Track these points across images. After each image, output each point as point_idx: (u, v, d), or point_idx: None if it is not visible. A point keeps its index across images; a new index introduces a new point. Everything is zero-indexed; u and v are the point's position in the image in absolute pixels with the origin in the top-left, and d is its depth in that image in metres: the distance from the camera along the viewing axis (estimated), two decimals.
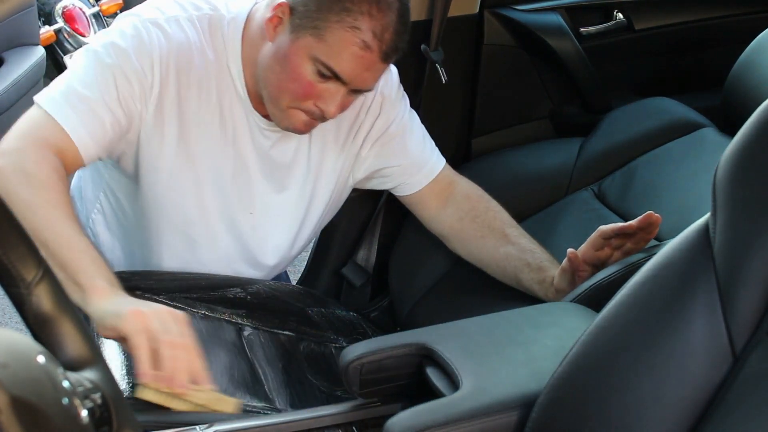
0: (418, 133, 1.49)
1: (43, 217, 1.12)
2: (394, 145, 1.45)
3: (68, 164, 1.23)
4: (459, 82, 1.83)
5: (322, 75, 1.21)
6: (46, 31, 3.35)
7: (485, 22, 1.85)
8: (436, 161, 1.50)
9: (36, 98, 1.25)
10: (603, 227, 1.26)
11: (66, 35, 3.51)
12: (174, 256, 1.42)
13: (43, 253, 1.09)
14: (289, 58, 1.22)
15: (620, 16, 1.99)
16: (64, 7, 3.53)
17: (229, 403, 1.11)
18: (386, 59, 1.23)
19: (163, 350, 1.03)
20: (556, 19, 1.91)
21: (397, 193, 1.52)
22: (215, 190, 1.37)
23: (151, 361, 1.03)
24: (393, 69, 1.47)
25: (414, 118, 1.50)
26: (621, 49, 2.02)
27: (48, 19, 3.50)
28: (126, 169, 1.36)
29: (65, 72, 1.29)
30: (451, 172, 1.52)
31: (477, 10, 1.81)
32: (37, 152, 1.18)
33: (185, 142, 1.32)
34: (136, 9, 1.32)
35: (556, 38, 1.89)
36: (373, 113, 1.43)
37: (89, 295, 1.08)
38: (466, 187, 1.50)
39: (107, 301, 1.08)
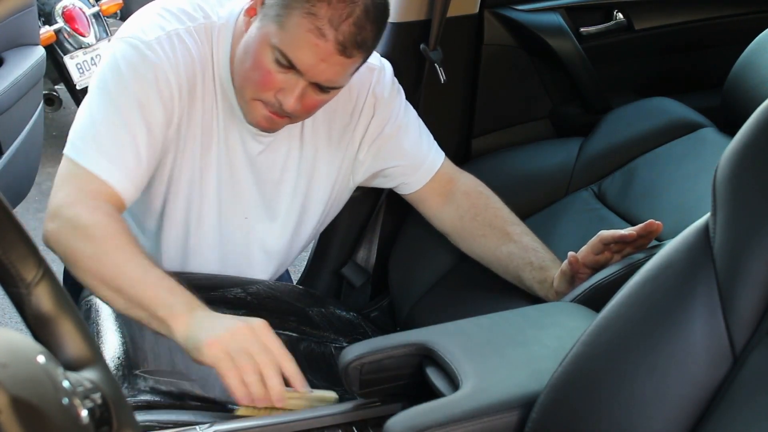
0: (414, 131, 1.48)
1: (110, 265, 1.14)
2: (391, 146, 1.45)
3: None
4: (459, 82, 1.83)
5: (280, 64, 1.19)
6: (46, 31, 3.35)
7: (485, 22, 1.85)
8: (434, 159, 1.49)
9: (66, 152, 1.24)
10: (603, 233, 1.26)
11: (66, 35, 3.51)
12: (173, 259, 1.43)
13: (121, 300, 1.13)
14: (253, 47, 1.21)
15: (620, 16, 1.99)
16: (64, 7, 3.53)
17: (327, 398, 1.13)
18: (344, 51, 1.17)
19: (246, 377, 1.04)
20: (556, 19, 1.91)
21: (398, 191, 1.52)
22: (212, 197, 1.38)
23: (241, 385, 1.05)
24: (387, 67, 1.46)
25: (410, 114, 1.48)
26: (621, 49, 2.02)
27: (48, 19, 3.50)
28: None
29: (85, 114, 1.25)
30: (451, 169, 1.51)
31: (477, 10, 1.81)
32: (86, 204, 1.19)
33: (189, 154, 1.33)
34: (135, 30, 1.27)
35: (556, 38, 1.89)
36: (367, 115, 1.42)
37: (172, 328, 1.10)
38: (465, 183, 1.49)
39: (188, 329, 1.09)
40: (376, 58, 1.45)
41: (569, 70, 1.93)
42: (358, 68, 1.25)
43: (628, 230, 1.24)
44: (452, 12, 1.67)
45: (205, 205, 1.38)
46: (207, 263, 1.43)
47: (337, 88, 1.25)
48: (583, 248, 1.28)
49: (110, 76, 1.25)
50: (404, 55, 1.69)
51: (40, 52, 2.70)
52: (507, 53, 1.91)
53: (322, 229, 1.56)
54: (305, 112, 1.26)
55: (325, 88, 1.23)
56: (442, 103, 1.81)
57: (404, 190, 1.50)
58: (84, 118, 1.26)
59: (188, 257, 1.42)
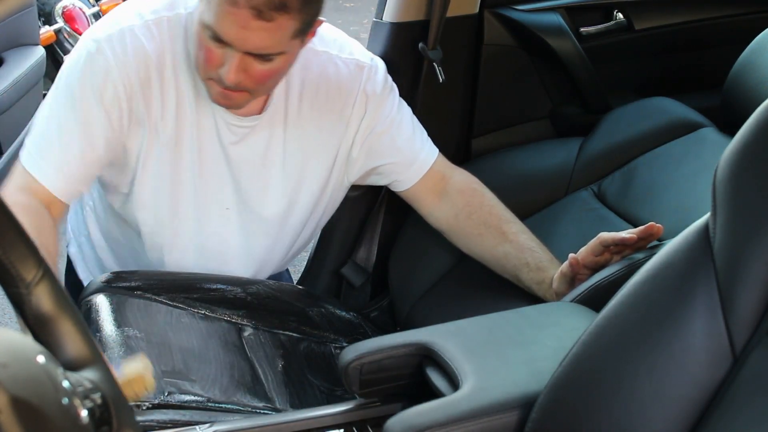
0: (407, 128, 1.47)
1: None
2: (384, 143, 1.44)
3: (52, 209, 1.27)
4: (459, 82, 1.83)
5: (214, 39, 1.20)
6: (46, 31, 3.35)
7: (485, 22, 1.85)
8: (427, 156, 1.48)
9: (20, 154, 1.30)
10: (603, 235, 1.26)
11: (66, 35, 3.51)
12: (154, 255, 1.44)
13: None
14: (196, 27, 1.23)
15: (620, 16, 1.99)
16: (64, 7, 3.53)
17: (141, 378, 1.06)
18: (260, 16, 1.15)
19: None
20: (556, 19, 1.91)
21: (392, 189, 1.52)
22: (187, 185, 1.38)
23: None
24: (379, 65, 1.45)
25: (403, 111, 1.48)
26: (621, 49, 2.02)
27: (48, 19, 3.51)
28: (103, 177, 1.39)
29: (38, 117, 1.32)
30: (444, 166, 1.50)
31: (477, 10, 1.81)
32: (11, 199, 1.21)
33: (156, 149, 1.33)
34: (96, 29, 1.31)
35: (556, 38, 1.89)
36: (358, 113, 1.42)
37: None
38: (459, 181, 1.49)
39: None
40: (366, 56, 1.44)
41: (569, 70, 1.93)
42: (300, 31, 1.21)
43: (628, 233, 1.24)
44: (452, 12, 1.67)
45: (180, 194, 1.38)
46: (184, 255, 1.43)
47: (279, 54, 1.22)
48: (583, 250, 1.28)
49: (61, 75, 1.31)
50: (403, 55, 1.69)
51: (40, 52, 2.70)
52: (507, 53, 1.91)
53: (314, 228, 1.55)
54: (257, 83, 1.25)
55: (264, 56, 1.21)
56: (443, 103, 1.81)
57: (398, 188, 1.50)
58: (38, 120, 1.32)
59: (165, 248, 1.43)
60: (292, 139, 1.40)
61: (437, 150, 1.50)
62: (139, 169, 1.35)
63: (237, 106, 1.31)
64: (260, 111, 1.35)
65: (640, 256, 1.24)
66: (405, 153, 1.46)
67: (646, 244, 1.25)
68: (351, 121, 1.42)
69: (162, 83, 1.30)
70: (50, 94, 1.32)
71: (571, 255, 1.28)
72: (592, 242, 1.27)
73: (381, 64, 1.46)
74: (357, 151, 1.44)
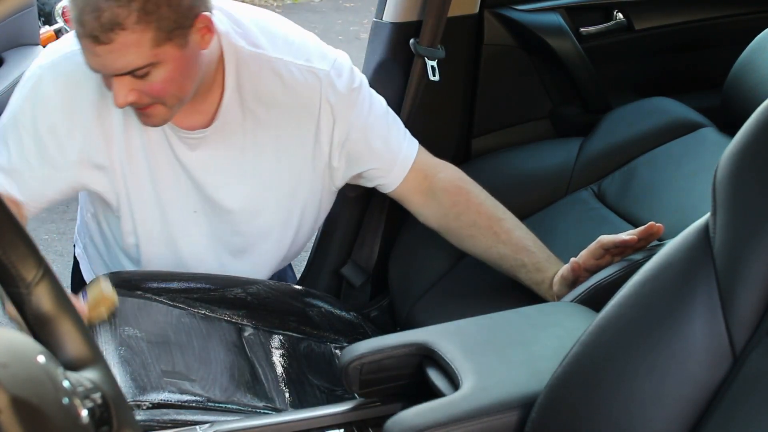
0: (382, 128, 1.44)
1: None
2: (360, 150, 1.42)
3: None
4: (459, 82, 1.83)
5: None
6: (46, 31, 3.35)
7: (485, 21, 1.85)
8: (406, 155, 1.45)
9: None
10: (604, 238, 1.25)
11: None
12: (135, 258, 1.46)
13: None
14: None
15: (620, 16, 1.99)
16: (64, 7, 3.53)
17: (105, 298, 1.16)
18: (97, 40, 1.14)
19: None
20: (556, 19, 1.91)
21: (380, 191, 1.50)
22: (152, 198, 1.38)
23: None
24: (340, 66, 1.40)
25: (375, 109, 1.43)
26: (621, 49, 2.02)
27: (48, 19, 3.51)
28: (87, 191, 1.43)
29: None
30: (427, 164, 1.47)
31: (477, 10, 1.81)
32: None
33: (112, 166, 1.35)
34: (43, 55, 1.34)
35: (556, 38, 1.90)
36: (327, 123, 1.38)
37: None
38: (444, 179, 1.46)
39: None
40: (326, 61, 1.39)
41: (569, 70, 1.93)
42: (161, 39, 1.17)
43: (629, 234, 1.24)
44: (452, 12, 1.67)
45: (145, 204, 1.39)
46: (161, 259, 1.44)
47: (149, 66, 1.18)
48: (583, 253, 1.27)
49: (12, 98, 1.34)
50: (402, 55, 1.69)
51: (40, 52, 2.70)
52: (507, 53, 1.91)
53: (310, 231, 1.55)
54: (157, 96, 1.23)
55: (134, 73, 1.19)
56: (443, 103, 1.81)
57: (384, 190, 1.49)
58: None
59: (142, 252, 1.44)
60: (252, 144, 1.38)
61: (417, 145, 1.47)
62: (104, 185, 1.36)
63: (160, 121, 1.28)
64: (209, 124, 1.34)
65: (640, 256, 1.24)
66: (383, 156, 1.44)
67: (647, 244, 1.25)
68: (321, 130, 1.39)
69: (105, 102, 1.30)
70: (5, 118, 1.34)
71: (572, 260, 1.28)
72: (593, 245, 1.27)
73: (345, 63, 1.41)
74: (336, 160, 1.42)
